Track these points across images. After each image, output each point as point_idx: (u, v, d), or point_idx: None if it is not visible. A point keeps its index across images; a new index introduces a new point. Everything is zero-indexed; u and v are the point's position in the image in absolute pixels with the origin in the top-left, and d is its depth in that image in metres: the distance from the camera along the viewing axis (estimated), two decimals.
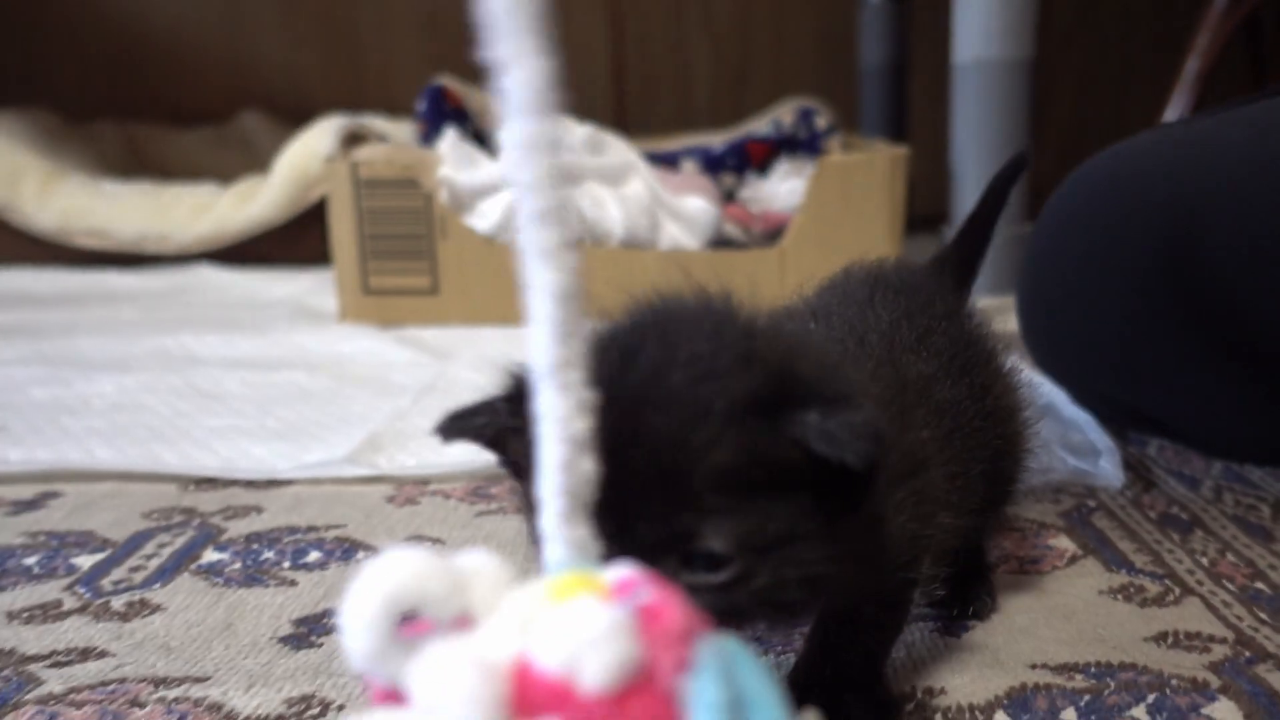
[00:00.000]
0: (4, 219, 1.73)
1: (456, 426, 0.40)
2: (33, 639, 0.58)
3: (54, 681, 0.53)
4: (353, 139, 1.54)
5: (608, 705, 0.25)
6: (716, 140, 1.80)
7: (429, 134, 1.57)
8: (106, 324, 1.38)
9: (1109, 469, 0.78)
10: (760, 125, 1.81)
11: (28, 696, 0.51)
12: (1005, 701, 0.49)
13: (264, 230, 1.70)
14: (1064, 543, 0.68)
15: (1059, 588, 0.61)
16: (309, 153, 1.63)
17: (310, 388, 1.08)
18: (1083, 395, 0.89)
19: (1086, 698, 0.49)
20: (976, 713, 0.48)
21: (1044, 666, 0.52)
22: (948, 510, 0.46)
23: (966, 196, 1.40)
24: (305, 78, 2.26)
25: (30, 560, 0.68)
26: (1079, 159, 0.92)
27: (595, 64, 2.26)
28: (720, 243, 1.45)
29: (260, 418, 0.98)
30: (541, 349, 0.29)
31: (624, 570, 0.28)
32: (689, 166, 1.76)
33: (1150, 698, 0.49)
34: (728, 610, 0.36)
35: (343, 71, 2.26)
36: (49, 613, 0.61)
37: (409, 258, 1.35)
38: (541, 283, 0.29)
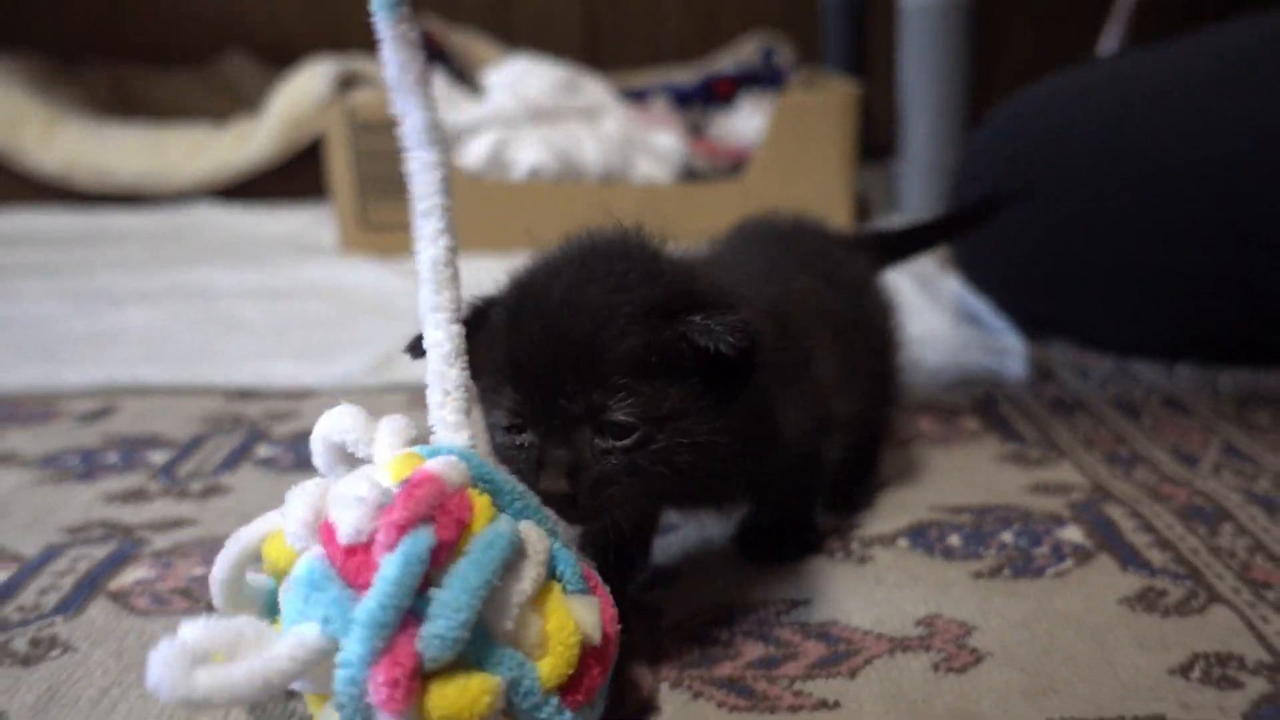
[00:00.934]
0: (8, 162, 1.82)
1: (421, 345, 0.51)
2: (131, 514, 0.71)
3: (159, 541, 0.66)
4: (345, 83, 1.64)
5: (344, 551, 0.39)
6: (685, 76, 1.90)
7: None
8: (120, 261, 1.49)
9: (1015, 365, 0.92)
10: (723, 62, 1.92)
11: (143, 552, 0.65)
12: (906, 532, 0.63)
13: (261, 169, 1.80)
14: (971, 423, 0.82)
15: (962, 455, 0.76)
16: (302, 94, 1.72)
17: (321, 314, 1.21)
18: (1003, 304, 1.03)
19: (967, 528, 0.63)
20: (884, 540, 0.63)
21: (940, 508, 0.66)
22: (838, 396, 0.58)
23: (914, 135, 1.52)
24: (286, 17, 2.32)
25: (113, 458, 0.81)
26: None
27: (569, 3, 2.33)
28: (689, 175, 1.57)
29: (280, 341, 1.10)
30: (425, 300, 0.46)
31: (433, 465, 0.41)
32: (660, 103, 1.87)
33: (1015, 526, 0.63)
34: (633, 469, 0.46)
35: (322, 12, 2.33)
36: (139, 496, 0.74)
37: (403, 193, 1.46)
38: (427, 258, 0.46)
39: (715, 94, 1.88)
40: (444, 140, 0.46)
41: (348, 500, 0.39)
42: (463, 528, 0.39)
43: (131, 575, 0.62)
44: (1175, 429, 0.79)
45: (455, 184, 1.60)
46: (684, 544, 0.63)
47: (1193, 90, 0.89)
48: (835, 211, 1.48)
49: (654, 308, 0.46)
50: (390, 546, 0.38)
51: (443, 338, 0.45)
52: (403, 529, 0.38)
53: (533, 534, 0.42)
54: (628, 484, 0.46)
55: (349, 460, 0.44)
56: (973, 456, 0.75)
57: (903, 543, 0.62)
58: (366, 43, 1.70)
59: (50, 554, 0.65)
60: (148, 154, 1.81)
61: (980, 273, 1.05)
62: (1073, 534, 0.62)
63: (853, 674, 0.49)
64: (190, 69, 2.26)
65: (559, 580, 0.42)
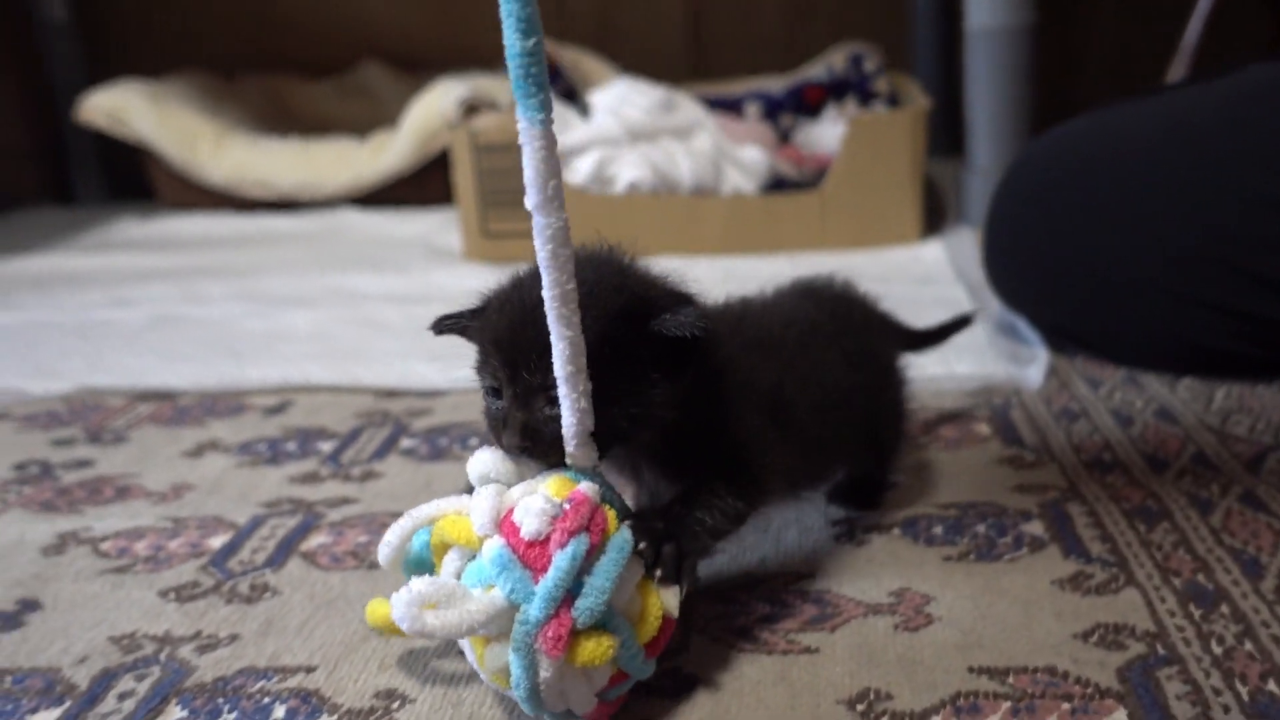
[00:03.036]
0: (187, 174, 2.11)
1: (440, 324, 0.65)
2: (310, 493, 0.93)
3: (332, 515, 0.88)
4: (470, 108, 1.85)
5: (525, 544, 0.56)
6: (777, 85, 2.05)
7: None
8: (282, 263, 1.74)
9: (1035, 374, 1.06)
10: (815, 70, 2.06)
11: (322, 523, 0.87)
12: (901, 523, 0.80)
13: (395, 177, 2.04)
14: (983, 428, 0.97)
15: (967, 457, 0.91)
16: (431, 112, 1.94)
17: None
18: (1033, 318, 1.17)
19: (950, 520, 0.80)
20: (882, 528, 0.79)
21: (934, 503, 0.83)
22: (785, 432, 0.68)
23: (978, 151, 1.64)
24: (417, 31, 2.55)
25: (292, 446, 1.04)
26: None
27: (670, 8, 2.49)
28: (776, 183, 1.73)
29: (416, 343, 1.32)
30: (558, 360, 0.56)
31: (584, 488, 0.57)
32: (752, 110, 2.03)
33: (990, 520, 0.80)
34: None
35: (449, 25, 2.54)
36: (314, 478, 0.96)
37: (518, 206, 1.67)
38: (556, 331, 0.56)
39: (805, 101, 2.03)
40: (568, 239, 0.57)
41: (534, 510, 0.57)
42: (604, 536, 0.57)
43: (315, 540, 0.84)
44: (1158, 437, 0.93)
45: (565, 197, 1.81)
46: None
47: (1205, 134, 1.00)
48: (904, 220, 1.62)
49: (614, 311, 0.58)
50: (562, 545, 0.56)
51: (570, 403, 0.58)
52: (571, 534, 0.56)
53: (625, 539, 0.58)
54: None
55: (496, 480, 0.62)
56: (976, 458, 0.91)
57: (896, 531, 0.79)
58: (488, 55, 1.94)
59: (255, 522, 0.88)
60: (301, 165, 2.07)
61: (1011, 287, 1.19)
62: (1035, 527, 0.78)
63: (833, 630, 0.67)
64: (332, 78, 2.52)
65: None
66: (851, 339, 0.78)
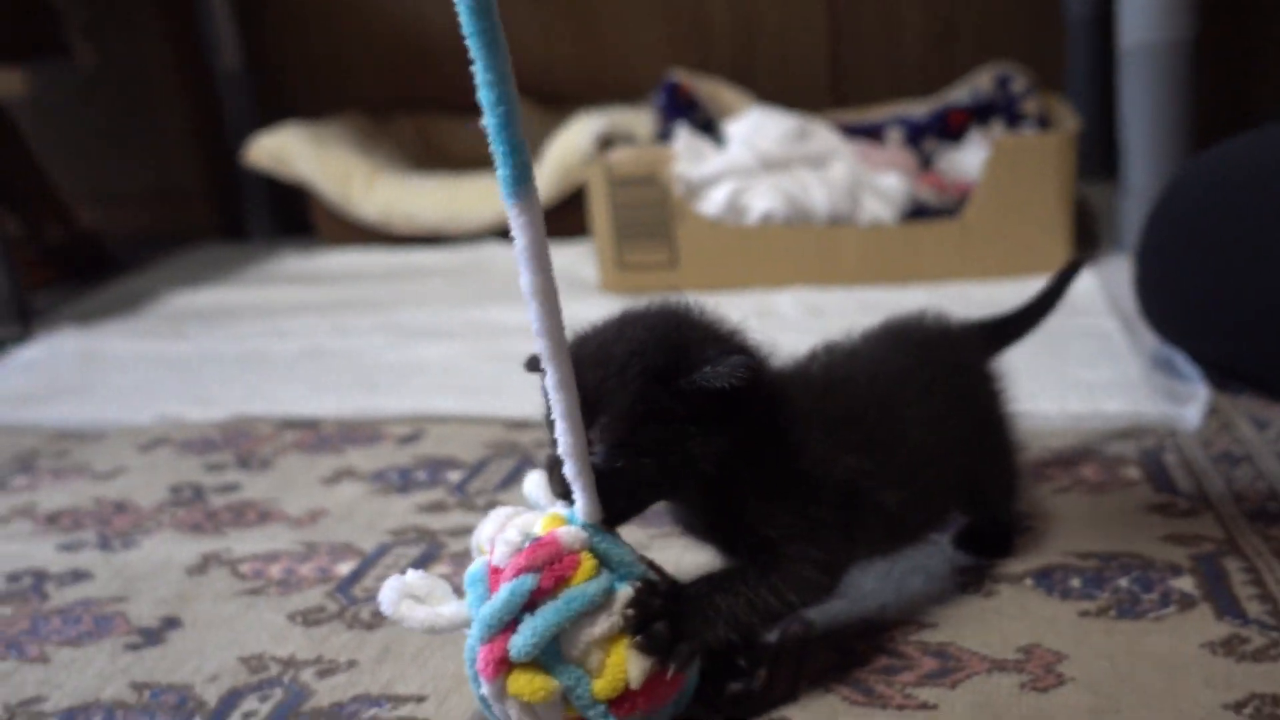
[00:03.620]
0: (341, 211, 2.21)
1: (530, 363, 0.63)
2: (435, 522, 0.95)
3: (454, 545, 0.90)
4: (606, 141, 1.87)
5: (493, 569, 0.59)
6: (919, 109, 2.00)
7: (666, 126, 1.89)
8: (424, 296, 1.80)
9: (1192, 414, 0.99)
10: (960, 93, 1.99)
11: (444, 553, 0.88)
12: (1035, 573, 0.75)
13: None
14: (1131, 472, 0.91)
15: (1111, 503, 0.85)
16: (570, 148, 1.98)
17: None
18: (1191, 351, 1.09)
19: (1089, 573, 0.74)
20: (1013, 579, 0.75)
21: (1072, 552, 0.78)
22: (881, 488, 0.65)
23: (1135, 171, 1.55)
24: (557, 67, 2.60)
25: (422, 475, 1.06)
26: None
27: (814, 34, 2.46)
28: (916, 210, 1.68)
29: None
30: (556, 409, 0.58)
31: (561, 532, 0.58)
32: (894, 135, 1.98)
33: (1134, 573, 0.74)
34: (610, 479, 0.58)
35: (588, 61, 2.59)
36: (440, 507, 0.98)
37: (653, 238, 1.68)
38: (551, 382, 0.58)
39: (949, 125, 1.96)
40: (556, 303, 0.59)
41: (504, 540, 0.60)
42: (560, 582, 0.57)
43: (436, 570, 0.85)
44: None
45: (697, 228, 1.81)
46: None
47: None
48: (1052, 248, 1.54)
49: (647, 374, 0.58)
50: (507, 579, 0.58)
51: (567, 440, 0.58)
52: (520, 570, 0.58)
53: (622, 598, 0.58)
54: (600, 488, 0.59)
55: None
56: (1121, 505, 0.85)
57: (1028, 582, 0.74)
58: (625, 85, 1.97)
59: (381, 550, 0.90)
60: (447, 201, 2.14)
61: (1167, 320, 1.11)
62: (1184, 583, 0.72)
63: (954, 685, 0.63)
64: (478, 116, 2.60)
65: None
66: (944, 385, 0.72)
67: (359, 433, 1.21)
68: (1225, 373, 1.06)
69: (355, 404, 1.28)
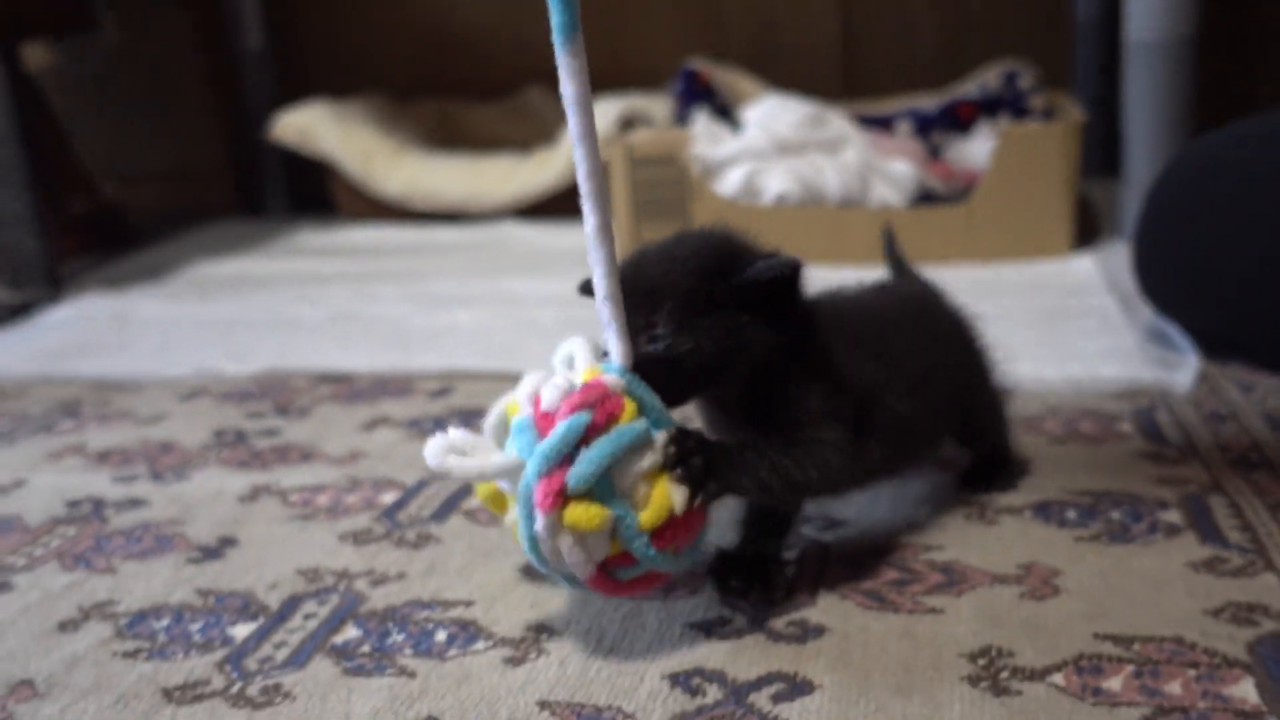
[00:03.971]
0: (364, 188, 2.27)
1: (583, 286, 0.69)
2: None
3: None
4: (626, 123, 1.94)
5: (541, 414, 0.62)
6: (929, 103, 2.06)
7: (683, 111, 1.95)
8: (448, 269, 1.86)
9: (1182, 378, 1.05)
10: (968, 87, 2.06)
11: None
12: (1034, 506, 0.81)
13: (555, 192, 2.14)
14: (1125, 427, 0.97)
15: (1106, 452, 0.92)
16: None
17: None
18: (1185, 323, 1.15)
19: (1085, 506, 0.81)
20: (1014, 510, 0.81)
21: (1069, 490, 0.84)
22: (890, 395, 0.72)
23: (1135, 163, 1.61)
24: None
25: (455, 424, 1.12)
26: None
27: (827, 28, 2.53)
28: (924, 197, 1.74)
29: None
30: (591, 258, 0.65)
31: (605, 377, 0.63)
32: (904, 127, 2.04)
33: (1125, 507, 0.80)
34: (673, 362, 0.64)
35: (605, 48, 2.65)
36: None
37: (669, 216, 1.74)
38: (589, 229, 0.65)
39: (957, 118, 2.03)
40: (599, 156, 0.65)
41: (552, 386, 0.64)
42: (611, 418, 0.62)
43: (471, 503, 0.91)
44: None
45: (713, 207, 1.87)
46: (856, 503, 0.85)
47: None
48: (1054, 234, 1.61)
49: (709, 267, 0.66)
50: (563, 417, 0.62)
51: (602, 285, 0.65)
52: (574, 408, 0.62)
53: (661, 438, 0.63)
54: (664, 371, 0.65)
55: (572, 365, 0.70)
56: (1115, 453, 0.91)
57: (1028, 514, 0.81)
58: (643, 73, 2.02)
59: (421, 484, 0.96)
60: (468, 180, 2.20)
61: (1163, 294, 1.17)
62: (1172, 516, 0.78)
63: (959, 594, 0.70)
64: (499, 101, 2.66)
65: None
66: (935, 322, 0.82)
67: (391, 386, 1.27)
68: (1215, 341, 1.12)
69: (387, 360, 1.34)
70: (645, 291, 0.65)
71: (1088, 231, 1.76)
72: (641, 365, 0.65)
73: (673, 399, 0.66)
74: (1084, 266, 1.56)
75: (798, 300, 0.69)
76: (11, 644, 0.73)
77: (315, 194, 2.50)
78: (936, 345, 0.79)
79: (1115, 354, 1.14)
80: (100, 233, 2.29)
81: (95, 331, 1.59)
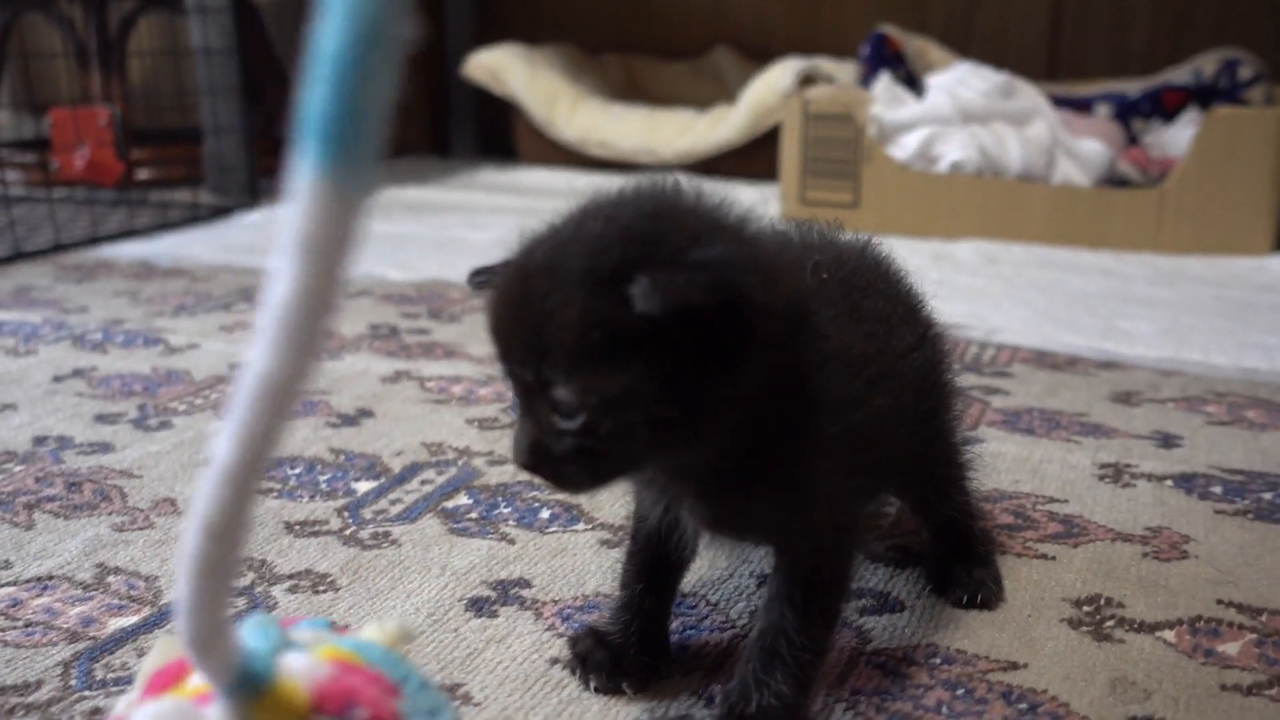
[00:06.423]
0: (545, 131, 2.33)
1: (472, 278, 0.48)
2: None
3: None
4: (806, 80, 1.91)
5: None
6: (1133, 87, 1.94)
7: (868, 76, 1.91)
8: None
9: None
10: (1180, 74, 1.92)
11: None
12: (1177, 476, 0.76)
13: (727, 149, 2.14)
14: None
15: (1269, 440, 0.85)
16: (770, 88, 2.02)
17: None
18: None
19: (1234, 484, 0.75)
20: (1154, 477, 0.76)
21: (1220, 467, 0.78)
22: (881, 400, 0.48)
23: None
24: (769, 21, 2.64)
25: None
26: None
27: (1035, 12, 2.41)
28: (1115, 181, 1.64)
29: None
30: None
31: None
32: (1102, 111, 1.93)
33: (1279, 490, 0.74)
34: (583, 451, 0.40)
35: (800, 16, 2.62)
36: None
37: (838, 177, 1.71)
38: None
39: (1162, 105, 1.90)
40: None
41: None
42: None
43: None
44: None
45: (884, 171, 1.84)
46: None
47: None
48: (1254, 230, 1.49)
49: (609, 276, 0.39)
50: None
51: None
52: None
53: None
54: (584, 465, 0.41)
55: None
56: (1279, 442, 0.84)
57: (1169, 483, 0.75)
58: (835, 44, 2.00)
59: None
60: (644, 131, 2.22)
61: None
62: None
63: (1076, 545, 0.66)
64: (686, 61, 2.67)
65: None
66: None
67: None
68: None
69: None
70: (523, 316, 0.41)
71: None
72: (546, 450, 0.42)
73: (599, 486, 0.44)
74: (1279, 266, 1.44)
75: (766, 328, 0.41)
76: (163, 469, 0.80)
77: (500, 140, 2.58)
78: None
79: None
80: None
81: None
